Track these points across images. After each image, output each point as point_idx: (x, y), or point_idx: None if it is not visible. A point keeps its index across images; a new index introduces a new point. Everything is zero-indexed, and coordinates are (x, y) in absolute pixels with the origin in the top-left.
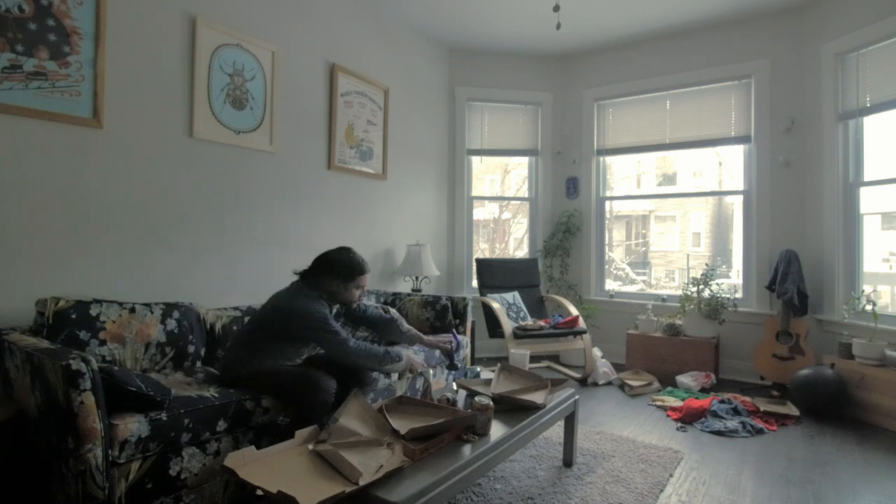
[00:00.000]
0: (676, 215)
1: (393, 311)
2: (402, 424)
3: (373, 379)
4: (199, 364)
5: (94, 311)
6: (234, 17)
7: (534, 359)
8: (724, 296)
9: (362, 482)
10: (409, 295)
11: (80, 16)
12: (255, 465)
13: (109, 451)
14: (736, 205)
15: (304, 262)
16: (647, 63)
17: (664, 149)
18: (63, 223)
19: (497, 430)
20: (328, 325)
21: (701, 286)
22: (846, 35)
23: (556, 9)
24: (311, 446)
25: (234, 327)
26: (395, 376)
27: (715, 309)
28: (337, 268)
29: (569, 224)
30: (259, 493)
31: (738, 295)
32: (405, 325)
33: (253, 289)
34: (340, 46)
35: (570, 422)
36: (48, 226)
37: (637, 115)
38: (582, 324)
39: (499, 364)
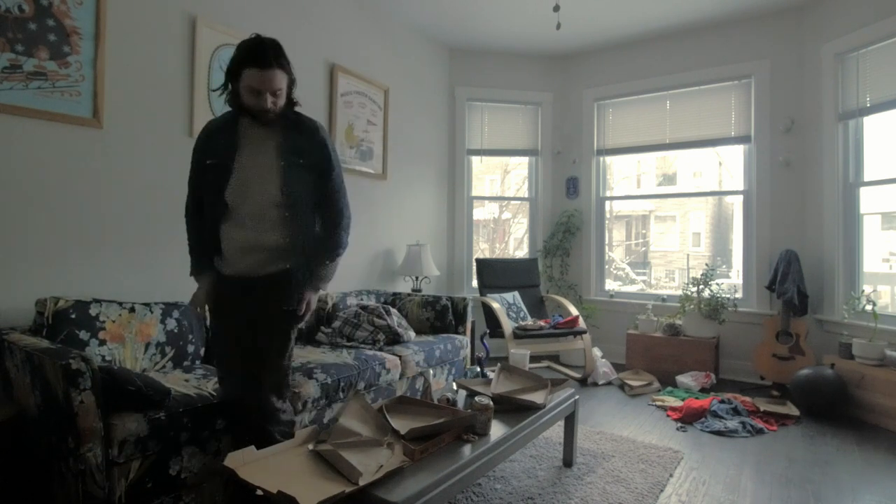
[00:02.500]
0: (676, 215)
1: (394, 310)
2: (402, 424)
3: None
4: (198, 363)
5: (93, 311)
6: (234, 17)
7: (534, 359)
8: (724, 296)
9: (362, 482)
10: (409, 295)
11: (80, 16)
12: (255, 464)
13: (109, 451)
14: (736, 205)
15: None
16: (647, 63)
17: (664, 149)
18: (63, 223)
19: (497, 430)
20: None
21: (701, 286)
22: (846, 35)
23: (556, 9)
24: (311, 446)
25: None
26: (395, 375)
27: (715, 309)
28: (230, 60)
29: (569, 224)
30: (259, 493)
31: (738, 295)
32: (327, 270)
33: None
34: (340, 46)
35: (570, 422)
36: (48, 226)
37: (637, 115)
38: (582, 324)
39: (499, 364)
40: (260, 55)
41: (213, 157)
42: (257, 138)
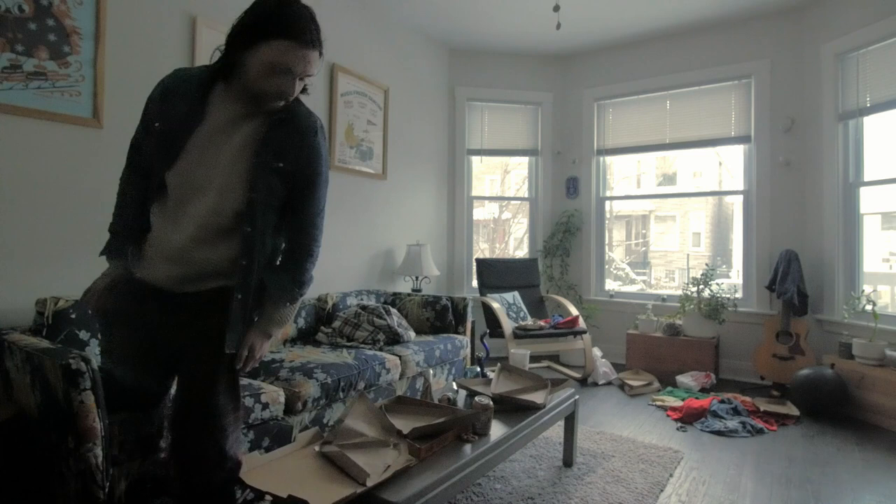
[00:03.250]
0: (676, 215)
1: (394, 310)
2: (403, 424)
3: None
4: None
5: None
6: (234, 17)
7: (534, 359)
8: (724, 296)
9: (370, 483)
10: (409, 295)
11: (80, 16)
12: (261, 469)
13: (109, 451)
14: (736, 205)
15: None
16: (647, 63)
17: (664, 149)
18: (63, 223)
19: (497, 430)
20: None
21: (701, 286)
22: (846, 35)
23: (556, 9)
24: (316, 447)
25: None
26: (395, 375)
27: (715, 309)
28: (241, 20)
29: (569, 224)
30: (268, 498)
31: (738, 295)
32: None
33: None
34: (340, 46)
35: (570, 422)
36: (48, 226)
37: (637, 115)
38: (582, 324)
39: (499, 364)
40: (300, 26)
41: (164, 121)
42: (231, 117)
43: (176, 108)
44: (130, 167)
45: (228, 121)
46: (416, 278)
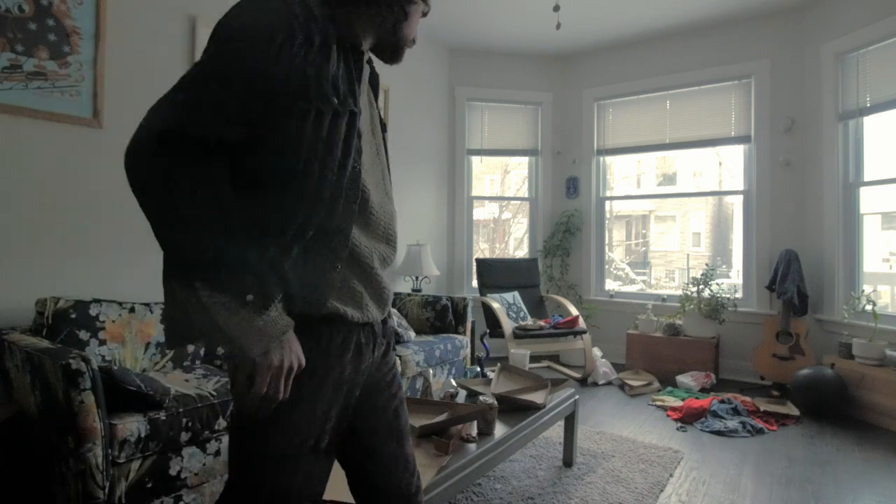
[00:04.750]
0: (676, 215)
1: (394, 310)
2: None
3: None
4: (198, 363)
5: (93, 311)
6: None
7: (534, 359)
8: (724, 296)
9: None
10: (409, 295)
11: (80, 16)
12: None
13: (109, 451)
14: (736, 205)
15: None
16: (647, 63)
17: (664, 149)
18: (63, 223)
19: (497, 429)
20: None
21: (701, 286)
22: (846, 35)
23: (556, 9)
24: None
25: None
26: None
27: (715, 309)
28: None
29: (569, 224)
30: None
31: (738, 295)
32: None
33: None
34: None
35: (570, 422)
36: (48, 226)
37: (637, 115)
38: (582, 324)
39: (499, 364)
40: None
41: (330, 102)
42: (366, 90)
43: (335, 79)
44: (217, 167)
45: (366, 93)
46: (416, 278)
